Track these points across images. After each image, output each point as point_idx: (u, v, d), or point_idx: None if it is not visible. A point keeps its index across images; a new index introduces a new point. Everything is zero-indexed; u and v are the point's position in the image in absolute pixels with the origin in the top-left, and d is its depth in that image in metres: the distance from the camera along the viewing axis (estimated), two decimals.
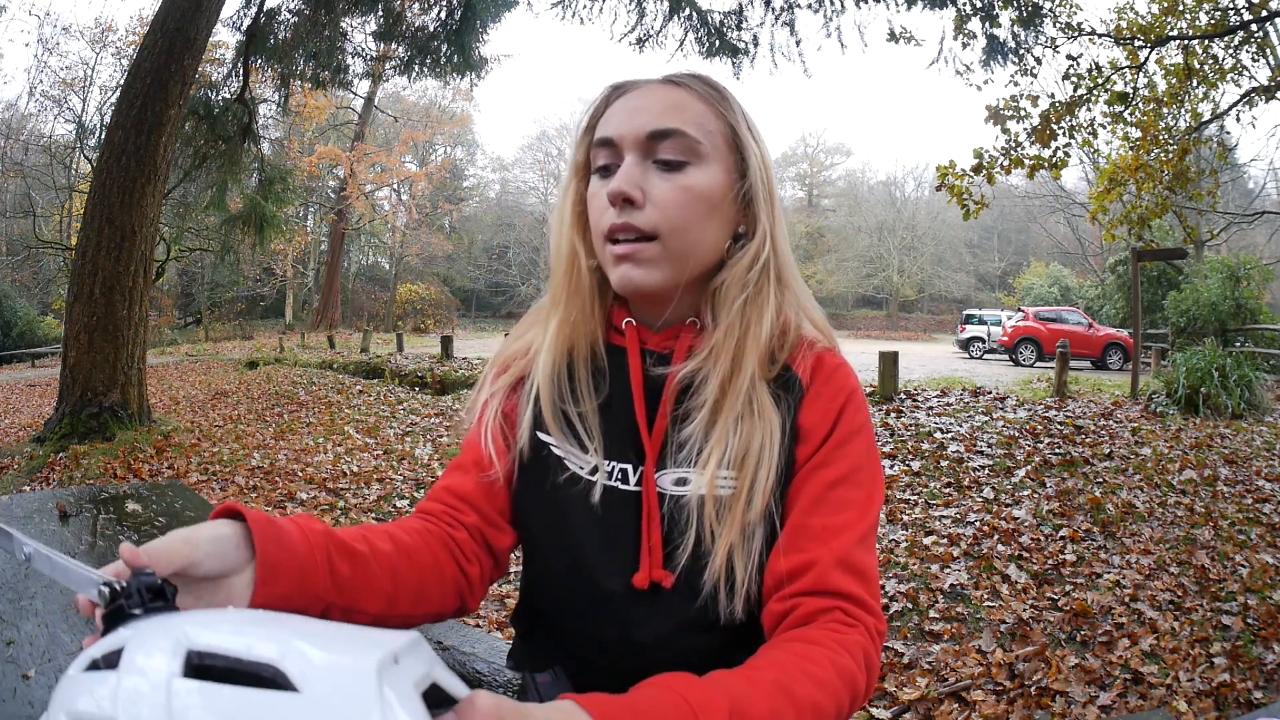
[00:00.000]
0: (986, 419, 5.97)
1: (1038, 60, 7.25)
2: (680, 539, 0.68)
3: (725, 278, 0.71)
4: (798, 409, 0.70)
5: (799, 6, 8.09)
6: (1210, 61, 6.71)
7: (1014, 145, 6.91)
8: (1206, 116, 7.20)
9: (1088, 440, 5.19)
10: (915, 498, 4.15)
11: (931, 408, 6.60)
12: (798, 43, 8.32)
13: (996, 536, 3.52)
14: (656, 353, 0.73)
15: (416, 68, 9.19)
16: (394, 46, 9.19)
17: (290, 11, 8.54)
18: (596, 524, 0.71)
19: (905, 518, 3.84)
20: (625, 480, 0.71)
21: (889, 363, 7.27)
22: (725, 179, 0.70)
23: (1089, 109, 6.94)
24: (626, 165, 0.68)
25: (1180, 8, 6.49)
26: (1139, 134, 6.86)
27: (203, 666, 0.32)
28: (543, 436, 0.74)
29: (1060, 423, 5.77)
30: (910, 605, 2.90)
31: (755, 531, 0.67)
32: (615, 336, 0.76)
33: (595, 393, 0.74)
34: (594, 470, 0.72)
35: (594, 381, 0.74)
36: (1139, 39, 6.62)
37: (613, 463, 0.72)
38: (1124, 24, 6.75)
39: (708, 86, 0.73)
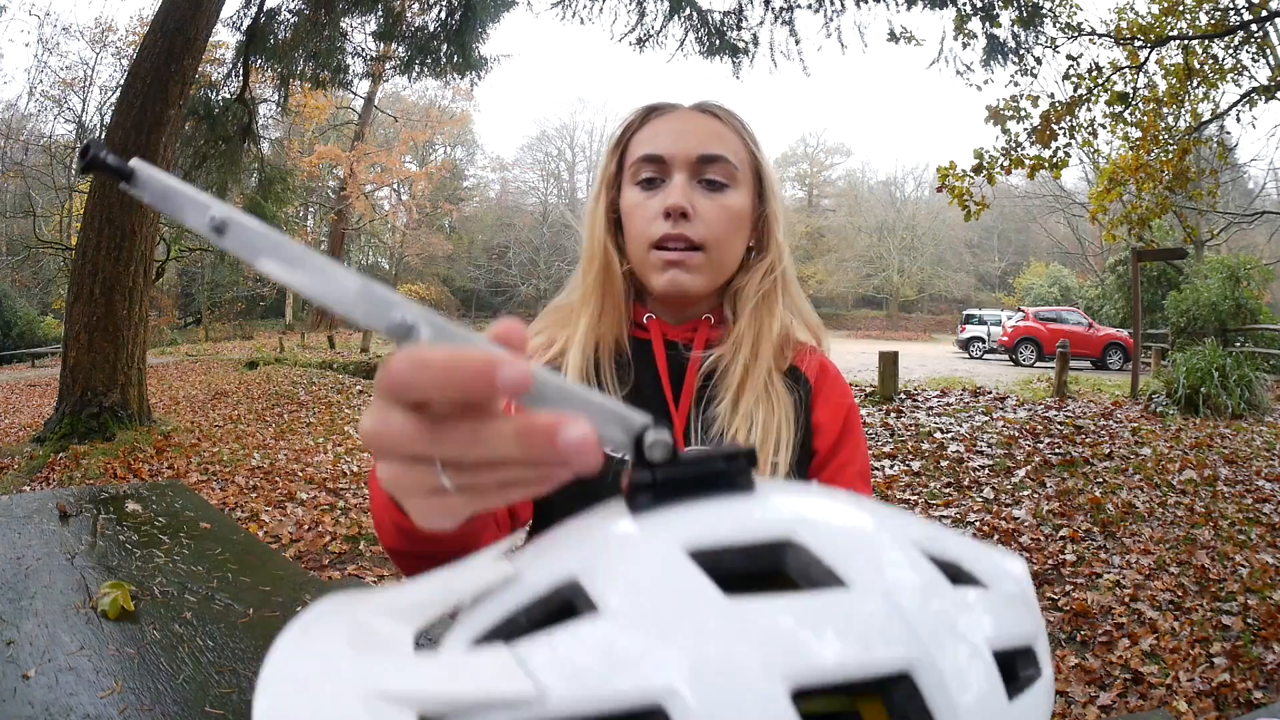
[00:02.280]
0: (986, 419, 5.97)
1: (1038, 60, 7.25)
2: None
3: (744, 282, 0.82)
4: (809, 404, 0.81)
5: (799, 6, 8.09)
6: (1210, 61, 6.71)
7: (1014, 145, 6.92)
8: (1206, 116, 7.20)
9: (1088, 440, 5.19)
10: (915, 498, 4.15)
11: (931, 408, 6.59)
12: (797, 42, 8.33)
13: (996, 536, 3.52)
14: (677, 343, 0.82)
15: (416, 68, 9.19)
16: (394, 46, 9.19)
17: (290, 11, 8.55)
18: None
19: None
20: None
21: (889, 363, 7.27)
22: (750, 202, 0.81)
23: (1089, 109, 6.94)
24: (679, 183, 0.77)
25: (1180, 8, 6.49)
26: (1139, 134, 6.87)
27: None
28: None
29: (1060, 423, 5.77)
30: None
31: None
32: (636, 331, 0.84)
33: (620, 383, 0.81)
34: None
35: (619, 373, 0.82)
36: (1139, 39, 6.62)
37: None
38: (1124, 24, 6.75)
39: (736, 119, 0.82)
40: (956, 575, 0.30)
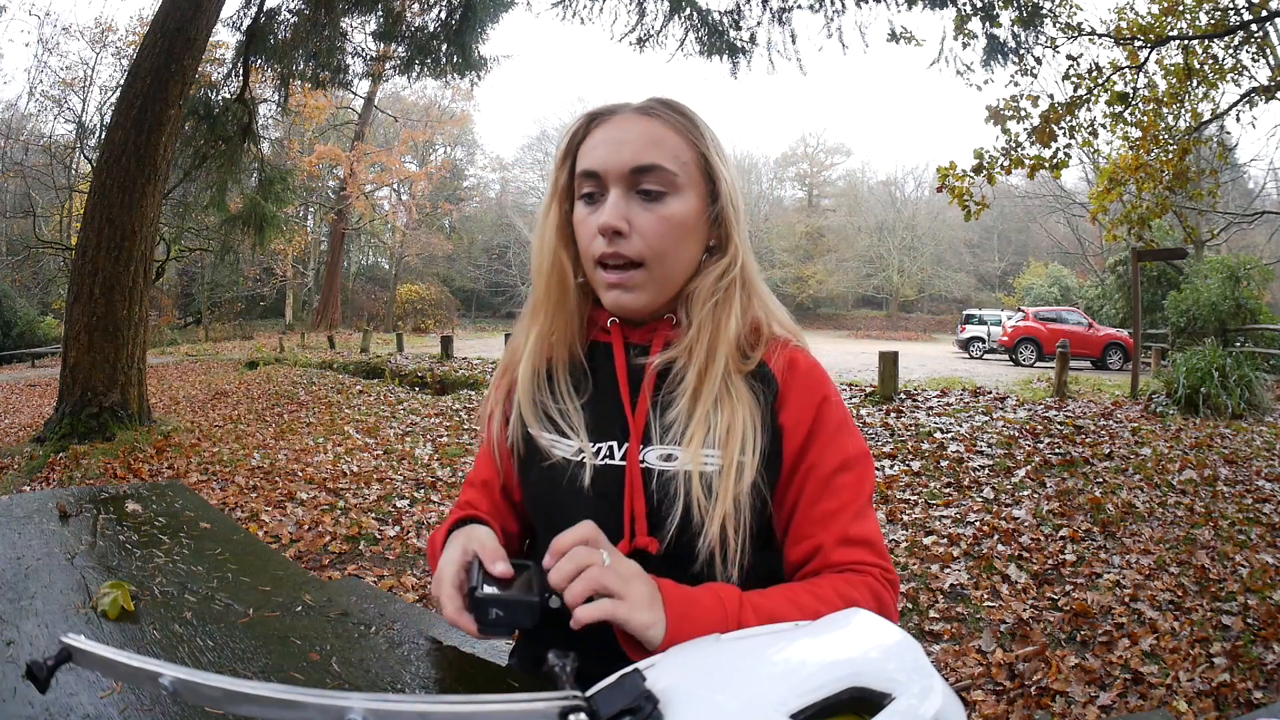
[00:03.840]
0: (986, 419, 5.97)
1: (1038, 60, 7.25)
2: (669, 509, 0.73)
3: (698, 284, 0.79)
4: (775, 404, 0.77)
5: (798, 7, 8.09)
6: (1210, 61, 6.71)
7: (1014, 145, 6.91)
8: (1206, 116, 7.20)
9: (1088, 440, 5.19)
10: (915, 498, 4.15)
11: (931, 408, 6.60)
12: (793, 40, 8.33)
13: (996, 536, 3.52)
14: (638, 345, 0.81)
15: (416, 68, 9.19)
16: (394, 46, 9.18)
17: (290, 11, 8.55)
18: (585, 499, 0.76)
19: (905, 518, 3.84)
20: (612, 456, 0.77)
21: (889, 363, 7.27)
22: (699, 204, 0.78)
23: (1089, 109, 6.94)
24: (613, 199, 0.75)
25: (1180, 8, 6.49)
26: (1139, 134, 6.86)
27: None
28: (532, 432, 0.81)
29: (1060, 423, 5.77)
30: (910, 605, 2.90)
31: (745, 503, 0.72)
32: (598, 334, 0.83)
33: (576, 390, 0.81)
34: (578, 452, 0.78)
35: (573, 380, 0.82)
36: (1139, 39, 6.62)
37: (598, 444, 0.78)
38: (1124, 24, 6.75)
39: (680, 116, 0.79)
40: (860, 698, 0.41)
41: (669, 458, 0.75)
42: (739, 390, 0.75)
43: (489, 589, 0.61)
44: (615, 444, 0.78)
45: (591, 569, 0.59)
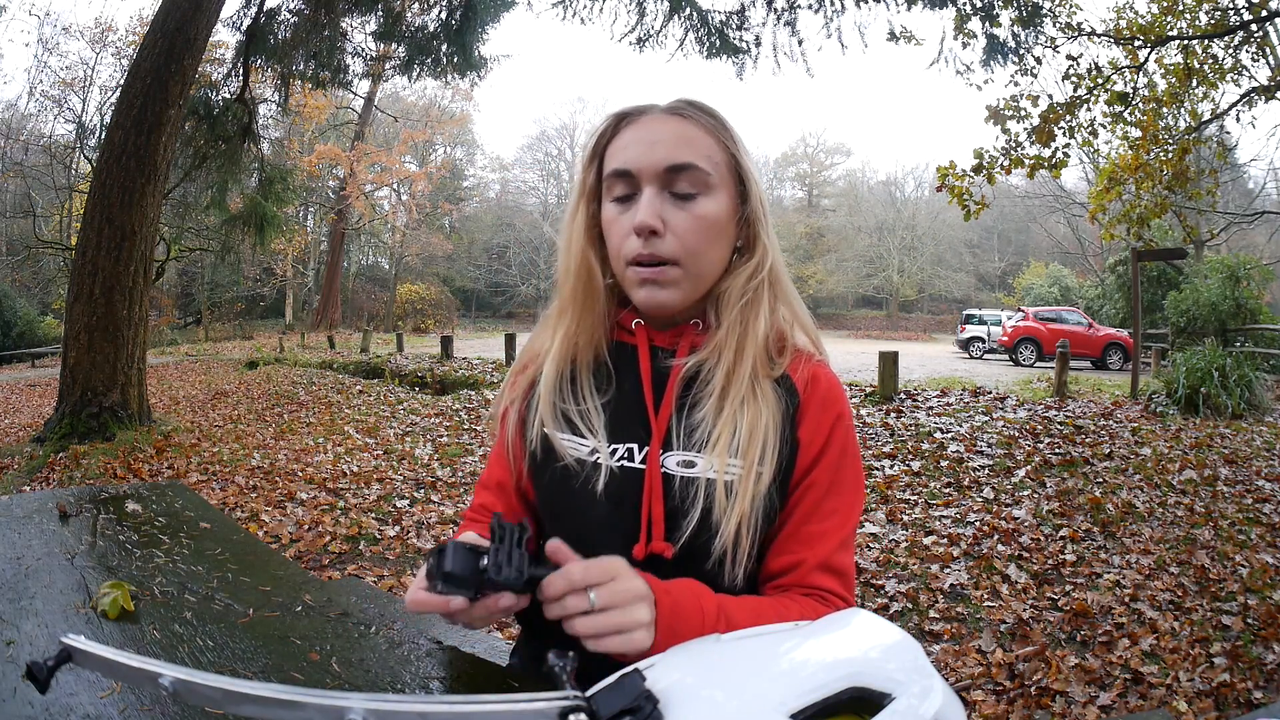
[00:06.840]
0: (986, 419, 5.97)
1: (1038, 60, 7.25)
2: (686, 515, 0.73)
3: (728, 285, 0.79)
4: (796, 416, 0.77)
5: (800, 7, 8.09)
6: (1210, 61, 6.71)
7: (1014, 145, 6.91)
8: (1206, 116, 7.20)
9: (1088, 440, 5.19)
10: (915, 498, 4.15)
11: (931, 408, 6.60)
12: (799, 43, 8.32)
13: (996, 536, 3.52)
14: (663, 349, 0.81)
15: (416, 68, 9.19)
16: (394, 46, 9.18)
17: (290, 11, 8.54)
18: (600, 500, 0.76)
19: (905, 518, 3.84)
20: (630, 459, 0.77)
21: (889, 363, 7.27)
22: (730, 204, 0.78)
23: (1089, 109, 6.94)
24: (648, 198, 0.74)
25: (1180, 8, 6.49)
26: (1139, 134, 6.86)
27: None
28: (548, 432, 0.80)
29: (1060, 423, 5.77)
30: (910, 605, 2.90)
31: (760, 506, 0.73)
32: (623, 335, 0.82)
33: (598, 392, 0.80)
34: (593, 453, 0.77)
35: (596, 382, 0.81)
36: (1139, 39, 6.61)
37: (617, 445, 0.77)
38: (1124, 24, 6.75)
39: (709, 116, 0.78)
40: (860, 698, 0.41)
41: (689, 464, 0.74)
42: (765, 393, 0.76)
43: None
44: (635, 446, 0.77)
45: (582, 620, 0.60)
